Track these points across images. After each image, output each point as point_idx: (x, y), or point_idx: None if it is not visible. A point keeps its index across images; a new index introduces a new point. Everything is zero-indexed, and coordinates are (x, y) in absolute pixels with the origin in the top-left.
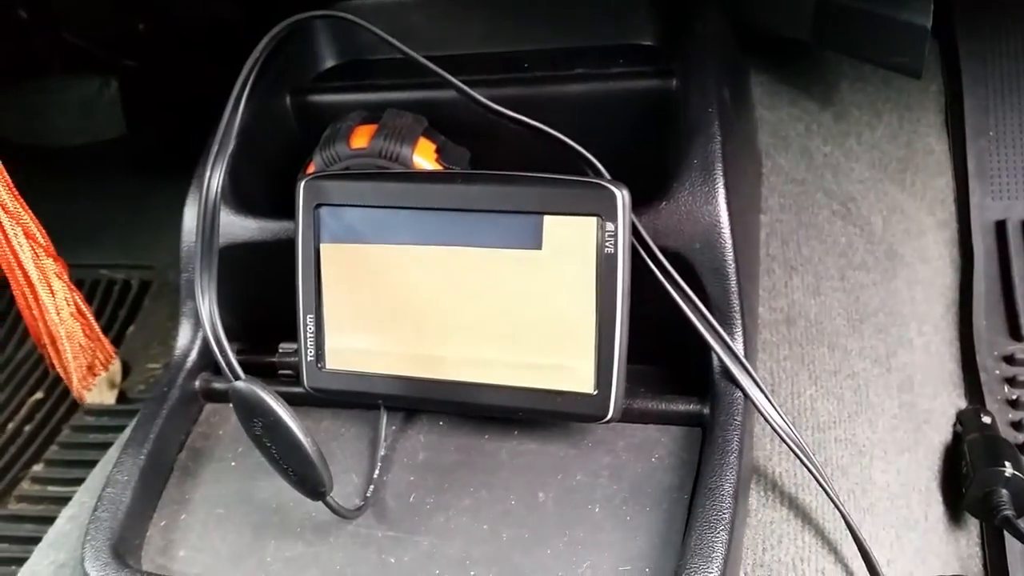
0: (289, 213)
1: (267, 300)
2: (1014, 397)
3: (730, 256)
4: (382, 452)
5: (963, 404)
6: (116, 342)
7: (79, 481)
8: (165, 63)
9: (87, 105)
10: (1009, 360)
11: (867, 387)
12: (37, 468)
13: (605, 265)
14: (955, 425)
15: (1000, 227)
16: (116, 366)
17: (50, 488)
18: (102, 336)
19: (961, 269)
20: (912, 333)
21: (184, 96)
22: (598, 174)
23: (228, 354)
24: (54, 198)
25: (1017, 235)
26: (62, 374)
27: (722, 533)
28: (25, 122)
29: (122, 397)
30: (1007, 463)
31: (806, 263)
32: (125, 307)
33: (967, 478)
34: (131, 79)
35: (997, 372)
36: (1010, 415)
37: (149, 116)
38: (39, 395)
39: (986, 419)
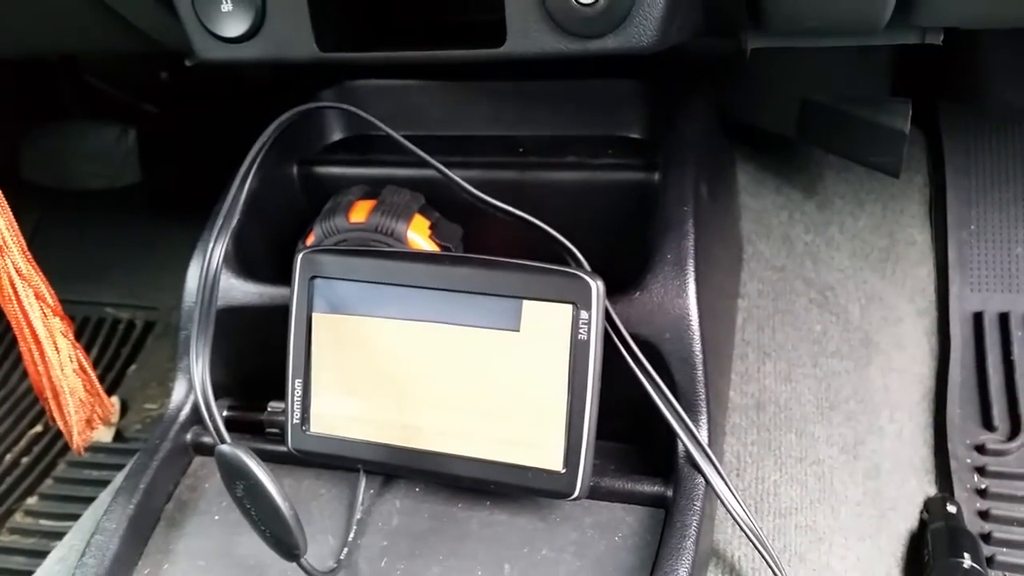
0: (289, 278)
1: (261, 359)
2: (983, 486)
3: (698, 347)
4: (358, 515)
5: (933, 491)
6: (116, 380)
7: (72, 516)
8: (184, 111)
9: (105, 152)
10: (980, 449)
11: (832, 474)
12: (31, 501)
13: (578, 350)
14: (922, 512)
15: (978, 318)
16: (115, 405)
17: (42, 522)
18: (102, 391)
19: (938, 358)
20: (883, 420)
21: (198, 145)
22: (577, 263)
23: (216, 418)
24: (69, 237)
25: (994, 327)
26: (62, 427)
27: None
28: (46, 165)
29: (118, 435)
30: (966, 554)
31: (780, 349)
32: (128, 346)
33: (928, 567)
34: (148, 128)
35: (968, 461)
36: (978, 504)
37: (163, 164)
38: (38, 428)
39: (951, 508)
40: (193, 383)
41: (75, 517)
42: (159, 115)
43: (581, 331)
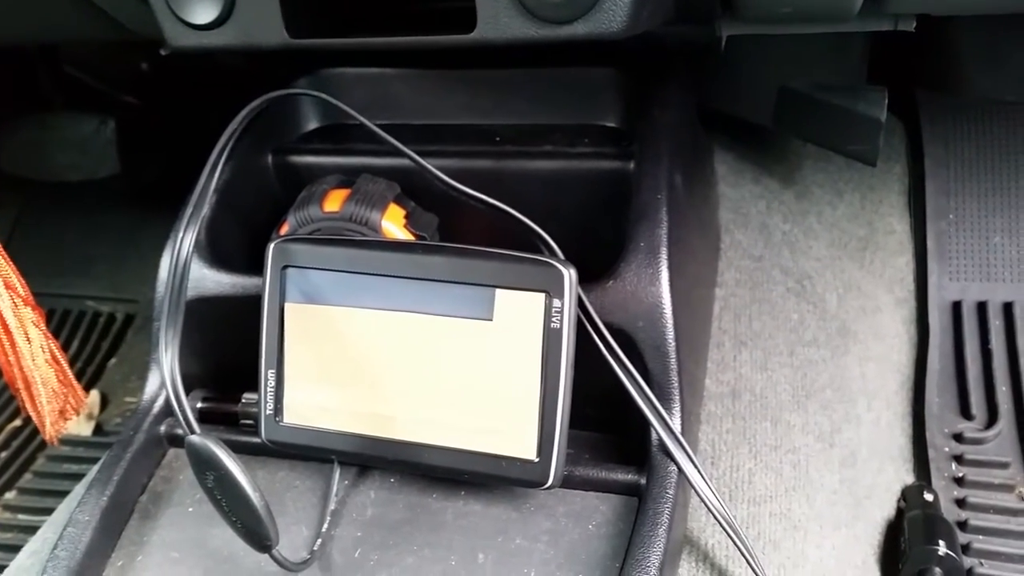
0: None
1: (235, 350)
2: (960, 475)
3: (671, 335)
4: (332, 506)
5: (910, 479)
6: (97, 373)
7: (50, 511)
8: (164, 102)
9: (84, 143)
10: (958, 438)
11: (807, 462)
12: (9, 496)
13: (551, 339)
14: (899, 500)
15: (956, 307)
16: (94, 398)
17: (20, 516)
18: (75, 382)
19: (917, 346)
20: (860, 409)
21: (179, 136)
22: (551, 252)
23: (186, 409)
24: (49, 229)
25: (972, 316)
26: (35, 418)
27: None
28: (24, 156)
29: (98, 429)
30: (941, 542)
31: (756, 338)
32: (108, 339)
33: (904, 555)
34: (128, 119)
35: (946, 449)
36: (955, 492)
37: (144, 156)
38: (17, 423)
39: (928, 496)
40: (163, 377)
41: (53, 512)
42: (139, 106)
43: (554, 320)
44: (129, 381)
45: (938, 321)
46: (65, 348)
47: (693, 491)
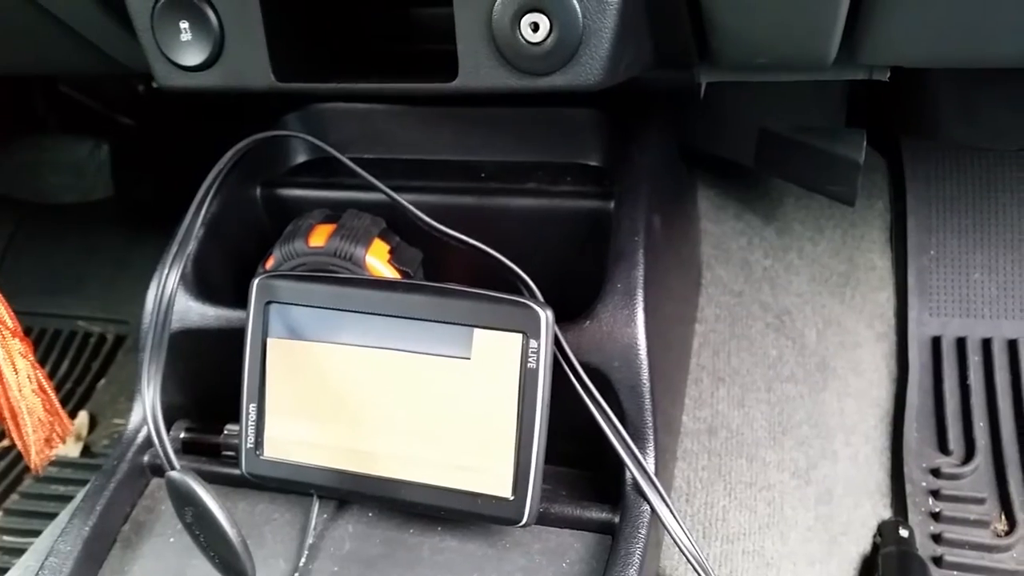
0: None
1: (220, 382)
2: (937, 510)
3: (646, 375)
4: (310, 540)
5: (888, 514)
6: (86, 394)
7: (36, 532)
8: (160, 124)
9: (78, 166)
10: (935, 473)
11: (782, 499)
12: None
13: (527, 379)
14: (875, 536)
15: (936, 343)
16: (83, 419)
17: (5, 538)
18: (61, 410)
19: (896, 381)
20: (838, 444)
21: (174, 158)
22: (529, 292)
23: (166, 444)
24: (42, 249)
25: (951, 351)
26: (20, 447)
27: None
28: (19, 177)
29: (86, 450)
30: None
31: (734, 374)
32: (99, 359)
33: None
34: (124, 141)
35: (923, 484)
36: (931, 527)
37: (138, 178)
38: (5, 443)
39: (904, 532)
40: (144, 409)
41: (39, 533)
42: (135, 127)
43: (530, 360)
44: (118, 402)
45: (917, 356)
46: (55, 368)
47: (665, 531)
